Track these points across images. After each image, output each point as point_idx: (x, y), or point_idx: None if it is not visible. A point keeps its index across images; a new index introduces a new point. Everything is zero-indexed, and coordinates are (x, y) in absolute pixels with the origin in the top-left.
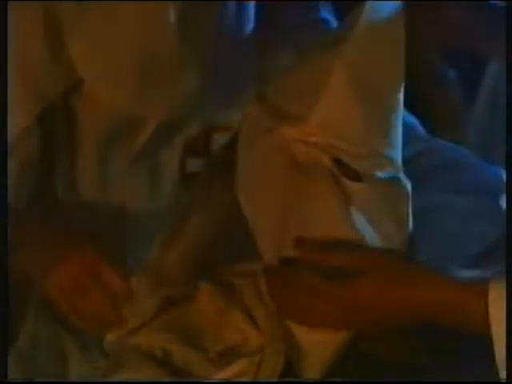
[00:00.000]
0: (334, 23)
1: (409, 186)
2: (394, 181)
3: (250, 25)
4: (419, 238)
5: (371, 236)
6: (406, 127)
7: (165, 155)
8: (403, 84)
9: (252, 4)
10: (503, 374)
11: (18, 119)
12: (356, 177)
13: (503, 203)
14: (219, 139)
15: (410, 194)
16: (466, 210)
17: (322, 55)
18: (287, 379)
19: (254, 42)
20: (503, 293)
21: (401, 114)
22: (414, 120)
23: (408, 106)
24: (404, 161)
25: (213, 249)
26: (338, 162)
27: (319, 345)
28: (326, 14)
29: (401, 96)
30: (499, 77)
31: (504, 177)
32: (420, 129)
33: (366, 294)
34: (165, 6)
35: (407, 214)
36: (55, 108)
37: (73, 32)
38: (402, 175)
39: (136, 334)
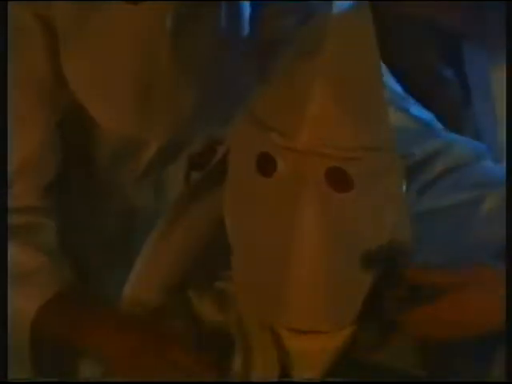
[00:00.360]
0: None
1: (404, 183)
2: (389, 175)
3: (245, 30)
4: (431, 237)
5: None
6: (422, 124)
7: (170, 170)
8: (382, 75)
9: (247, 8)
10: None
11: (34, 133)
12: (347, 185)
13: None
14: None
15: (405, 184)
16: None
17: (300, 65)
18: (287, 379)
19: (253, 48)
20: None
21: (387, 106)
22: (429, 115)
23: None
24: (420, 160)
25: (205, 255)
26: (329, 171)
27: (312, 352)
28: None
29: (383, 88)
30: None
31: None
32: (436, 124)
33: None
34: (158, 25)
35: (405, 209)
36: (72, 119)
37: (68, 55)
38: (399, 166)
39: None
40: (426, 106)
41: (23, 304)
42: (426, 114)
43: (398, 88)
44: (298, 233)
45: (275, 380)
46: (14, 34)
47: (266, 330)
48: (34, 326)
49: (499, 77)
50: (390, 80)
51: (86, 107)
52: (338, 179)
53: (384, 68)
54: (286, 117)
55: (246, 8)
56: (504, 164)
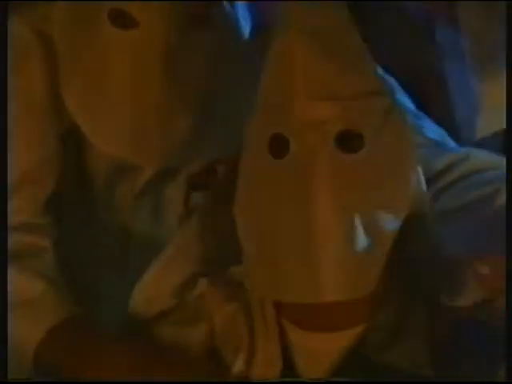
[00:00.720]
0: None
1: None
2: (395, 124)
3: (242, 51)
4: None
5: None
6: (435, 142)
7: (168, 191)
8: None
9: (245, 28)
10: None
11: (34, 149)
12: (358, 144)
13: None
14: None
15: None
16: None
17: (278, 36)
18: (287, 379)
19: (251, 67)
20: None
21: (366, 51)
22: (442, 132)
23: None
24: (436, 172)
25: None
26: (338, 136)
27: (321, 352)
28: None
29: (358, 36)
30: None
31: None
32: (449, 141)
33: None
34: (150, 50)
35: (413, 167)
36: (72, 136)
37: (65, 75)
38: (402, 113)
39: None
40: (425, 105)
41: (27, 332)
42: (439, 131)
43: (410, 105)
44: (313, 207)
45: (275, 380)
46: (13, 50)
47: (272, 326)
48: (37, 354)
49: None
50: (402, 97)
51: (82, 129)
52: (349, 140)
53: (396, 86)
54: (282, 86)
55: (245, 29)
56: None
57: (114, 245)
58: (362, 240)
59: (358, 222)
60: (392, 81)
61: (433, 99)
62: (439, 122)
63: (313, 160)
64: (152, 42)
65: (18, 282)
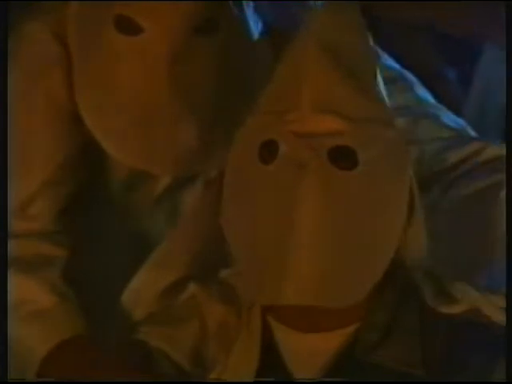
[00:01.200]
0: None
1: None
2: (395, 156)
3: (250, 56)
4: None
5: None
6: (456, 132)
7: (186, 196)
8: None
9: (254, 33)
10: None
11: (55, 156)
12: (351, 163)
13: None
14: None
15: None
16: None
17: (294, 46)
18: (287, 379)
19: (263, 57)
20: None
21: (380, 80)
22: (462, 122)
23: None
24: (454, 163)
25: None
26: (332, 150)
27: (312, 353)
28: None
29: (375, 62)
30: (490, 78)
31: None
32: (469, 130)
33: None
34: (156, 56)
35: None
36: (90, 146)
37: (78, 80)
38: (404, 149)
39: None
40: None
41: (35, 344)
42: (459, 121)
43: (429, 98)
44: (299, 214)
45: (275, 380)
46: (37, 55)
47: (255, 327)
48: (42, 366)
49: None
50: (422, 91)
51: (96, 137)
52: (342, 157)
53: (415, 80)
54: (287, 94)
55: (254, 30)
56: None
57: (130, 252)
58: (347, 253)
59: (343, 235)
60: (411, 76)
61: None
62: None
63: (302, 169)
64: (157, 49)
65: (32, 292)
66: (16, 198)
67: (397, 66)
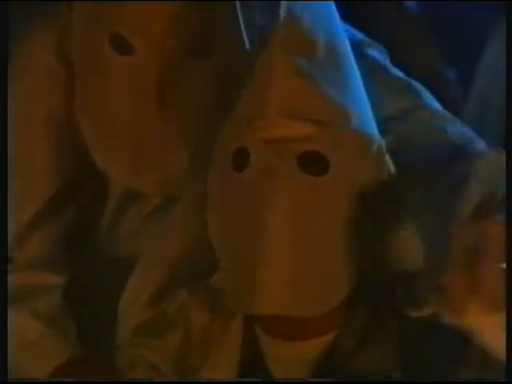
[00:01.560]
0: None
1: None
2: (367, 162)
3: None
4: None
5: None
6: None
7: (176, 213)
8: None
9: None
10: None
11: (51, 183)
12: (322, 168)
13: None
14: None
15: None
16: None
17: (265, 51)
18: (287, 379)
19: None
20: None
21: (359, 81)
22: (468, 133)
23: None
24: None
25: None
26: (302, 156)
27: (293, 359)
28: None
29: (351, 63)
30: (489, 80)
31: None
32: (477, 143)
33: None
34: (147, 77)
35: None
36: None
37: (77, 102)
38: (378, 144)
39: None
40: None
41: (31, 372)
42: (465, 132)
43: (436, 105)
44: (268, 223)
45: (275, 380)
46: (37, 73)
47: (235, 334)
48: None
49: None
50: (429, 98)
51: (91, 153)
52: (312, 162)
53: (422, 88)
54: (256, 101)
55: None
56: None
57: (121, 270)
58: (318, 262)
59: (314, 243)
60: (419, 84)
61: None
62: None
63: (272, 176)
64: (146, 70)
65: (20, 324)
66: (14, 226)
67: (402, 74)
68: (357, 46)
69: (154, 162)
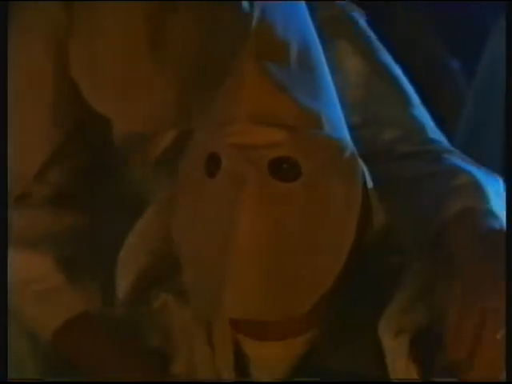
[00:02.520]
0: None
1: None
2: (339, 168)
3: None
4: None
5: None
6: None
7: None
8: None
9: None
10: None
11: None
12: (294, 174)
13: None
14: None
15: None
16: None
17: (237, 55)
18: (287, 379)
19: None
20: None
21: (330, 84)
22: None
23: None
24: None
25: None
26: (273, 162)
27: (271, 359)
28: None
29: (321, 66)
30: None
31: None
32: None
33: None
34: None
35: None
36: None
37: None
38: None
39: None
40: (430, 97)
41: (44, 321)
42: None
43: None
44: (239, 229)
45: (274, 380)
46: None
47: (226, 333)
48: (54, 341)
49: None
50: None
51: (83, 93)
52: (284, 169)
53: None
54: (228, 107)
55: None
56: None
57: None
58: (289, 267)
59: (285, 248)
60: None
61: (440, 90)
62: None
63: (243, 182)
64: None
65: (38, 270)
66: (30, 164)
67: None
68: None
69: (140, 98)
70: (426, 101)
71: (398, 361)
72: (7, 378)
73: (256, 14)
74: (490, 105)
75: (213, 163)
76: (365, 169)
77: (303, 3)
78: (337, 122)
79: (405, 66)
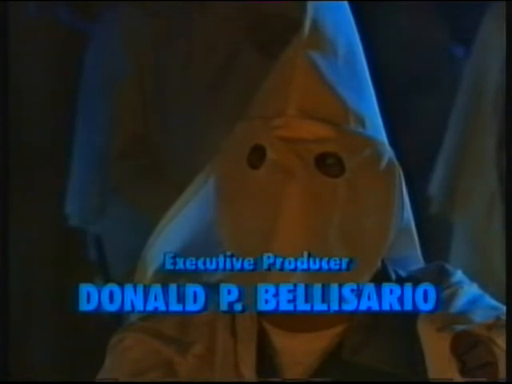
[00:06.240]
0: None
1: (399, 170)
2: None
3: None
4: None
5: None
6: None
7: None
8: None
9: None
10: None
11: None
12: (338, 169)
13: None
14: None
15: (401, 177)
16: None
17: (286, 52)
18: (287, 379)
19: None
20: None
21: (371, 88)
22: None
23: (417, 83)
24: None
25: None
26: (319, 157)
27: (300, 351)
28: None
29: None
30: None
31: None
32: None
33: None
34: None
35: (397, 201)
36: None
37: None
38: (389, 155)
39: None
40: (434, 83)
41: None
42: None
43: None
44: (283, 221)
45: (274, 380)
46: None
47: (252, 323)
48: None
49: None
50: None
51: None
52: (329, 164)
53: None
54: (275, 100)
55: None
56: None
57: None
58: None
59: (328, 242)
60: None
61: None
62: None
63: (289, 175)
64: None
65: None
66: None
67: None
68: None
69: None
70: (428, 85)
71: (439, 359)
72: (7, 378)
73: (309, 11)
74: (480, 92)
75: (257, 155)
76: (401, 174)
77: (347, 4)
78: (378, 123)
79: (407, 54)
